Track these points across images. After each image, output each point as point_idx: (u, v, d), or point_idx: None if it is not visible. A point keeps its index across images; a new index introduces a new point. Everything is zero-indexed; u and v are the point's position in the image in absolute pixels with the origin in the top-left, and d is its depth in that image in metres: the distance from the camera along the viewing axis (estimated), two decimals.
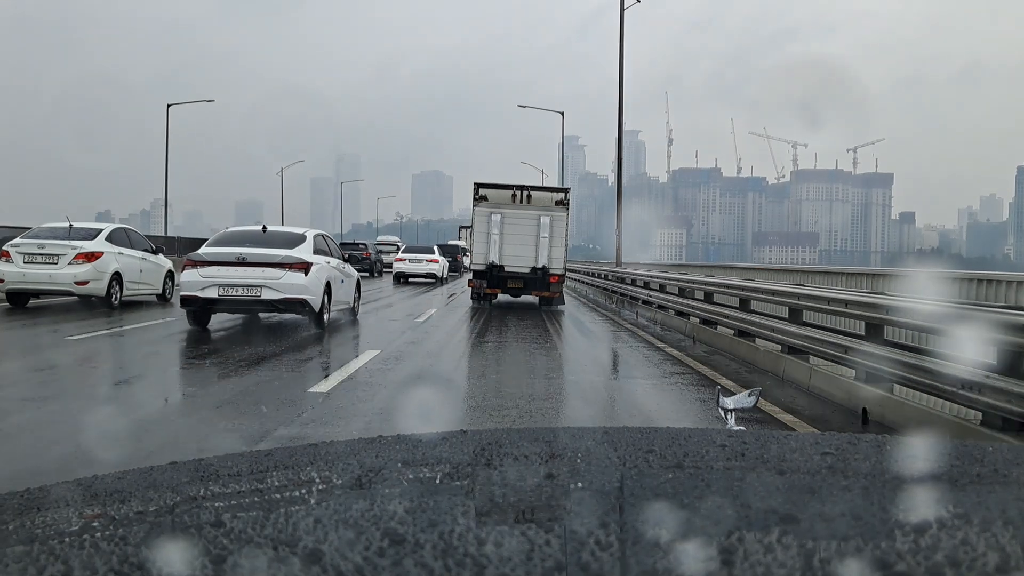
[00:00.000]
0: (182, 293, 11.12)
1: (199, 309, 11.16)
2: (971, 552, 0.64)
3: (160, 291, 16.11)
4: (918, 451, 0.98)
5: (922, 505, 0.79)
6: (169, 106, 34.01)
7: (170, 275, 16.56)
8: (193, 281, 10.88)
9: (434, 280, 29.70)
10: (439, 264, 30.27)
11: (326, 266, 11.83)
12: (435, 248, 32.39)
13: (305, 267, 11.14)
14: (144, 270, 15.40)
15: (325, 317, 11.61)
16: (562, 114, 42.37)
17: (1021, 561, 0.62)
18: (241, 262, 10.93)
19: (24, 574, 0.61)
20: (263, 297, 10.94)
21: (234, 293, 10.89)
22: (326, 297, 11.61)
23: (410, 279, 29.09)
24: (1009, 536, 0.68)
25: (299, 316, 11.56)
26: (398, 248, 37.09)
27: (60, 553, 0.67)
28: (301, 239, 11.83)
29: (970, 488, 0.86)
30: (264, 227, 12.47)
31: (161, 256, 16.37)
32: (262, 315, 12.48)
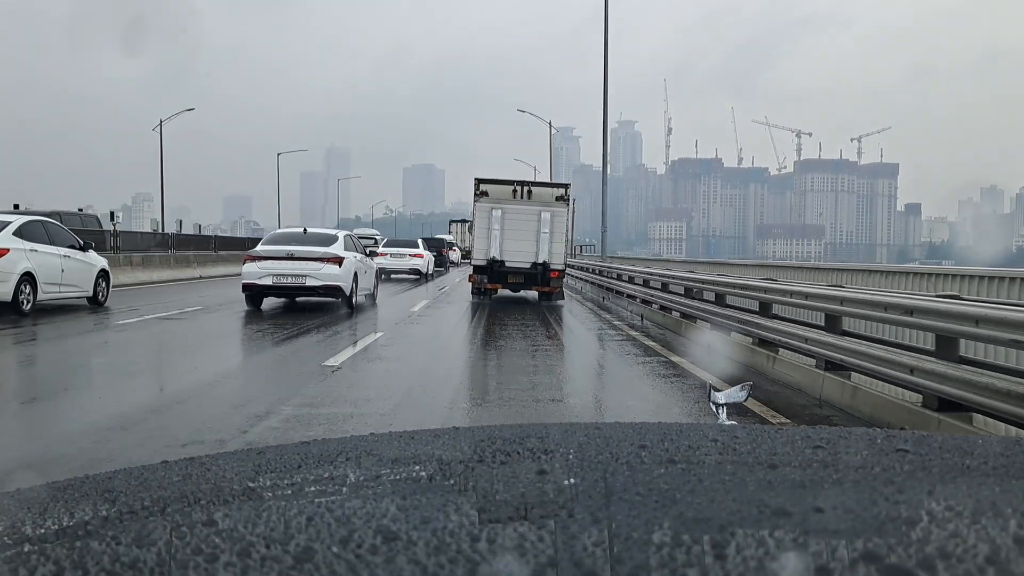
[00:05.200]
0: (244, 281, 14.15)
1: (256, 294, 14.23)
2: (962, 544, 0.64)
3: (91, 293, 14.12)
4: (908, 444, 0.98)
5: (913, 498, 0.80)
6: None
7: (104, 275, 14.55)
8: (253, 272, 14.02)
9: (418, 276, 28.61)
10: (424, 259, 29.11)
11: (354, 260, 14.80)
12: (419, 242, 30.96)
13: (339, 261, 14.18)
14: (68, 269, 13.38)
15: (354, 300, 14.74)
16: (550, 123, 41.31)
17: (1011, 553, 0.63)
18: (290, 257, 14.03)
19: (15, 575, 0.61)
20: (307, 284, 14.04)
21: (284, 281, 14.01)
22: (354, 284, 14.72)
23: (392, 275, 27.80)
24: (999, 528, 0.69)
25: (333, 300, 14.59)
26: (376, 242, 36.21)
27: (51, 554, 0.67)
28: (334, 239, 14.94)
29: (960, 480, 0.87)
30: (304, 229, 15.75)
31: (92, 253, 14.38)
32: (299, 300, 15.27)
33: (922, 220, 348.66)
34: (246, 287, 14.13)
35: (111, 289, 15.06)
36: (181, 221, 47.88)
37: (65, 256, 13.42)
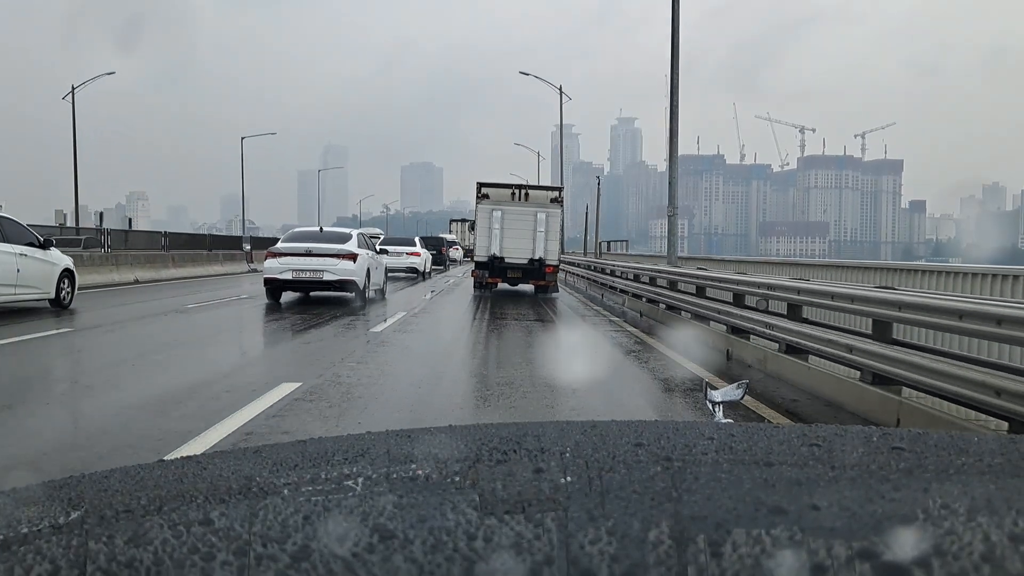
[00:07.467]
0: (266, 276, 15.39)
1: (276, 288, 15.45)
2: (957, 542, 0.64)
3: (52, 295, 12.84)
4: (904, 442, 0.98)
5: (908, 496, 0.80)
6: None
7: (68, 275, 13.29)
8: (274, 267, 15.22)
9: (415, 275, 28.29)
10: (420, 257, 28.96)
11: (366, 257, 15.98)
12: (416, 240, 30.89)
13: (353, 257, 15.34)
14: (24, 269, 12.11)
15: (367, 294, 15.99)
16: (560, 88, 40.33)
17: (1006, 551, 0.63)
18: (308, 253, 15.18)
19: (11, 574, 0.61)
20: (324, 278, 15.19)
21: (303, 276, 15.19)
22: (367, 279, 15.89)
23: (387, 274, 27.46)
24: (994, 526, 0.69)
25: (348, 294, 15.63)
26: (379, 239, 36.09)
27: (47, 553, 0.67)
28: (348, 237, 16.12)
29: (956, 478, 0.87)
30: (321, 228, 17.28)
31: (54, 251, 13.13)
32: (313, 295, 16.38)
33: (926, 217, 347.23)
34: (268, 281, 15.35)
35: (76, 291, 13.86)
36: (101, 214, 44.66)
37: (21, 255, 12.14)
